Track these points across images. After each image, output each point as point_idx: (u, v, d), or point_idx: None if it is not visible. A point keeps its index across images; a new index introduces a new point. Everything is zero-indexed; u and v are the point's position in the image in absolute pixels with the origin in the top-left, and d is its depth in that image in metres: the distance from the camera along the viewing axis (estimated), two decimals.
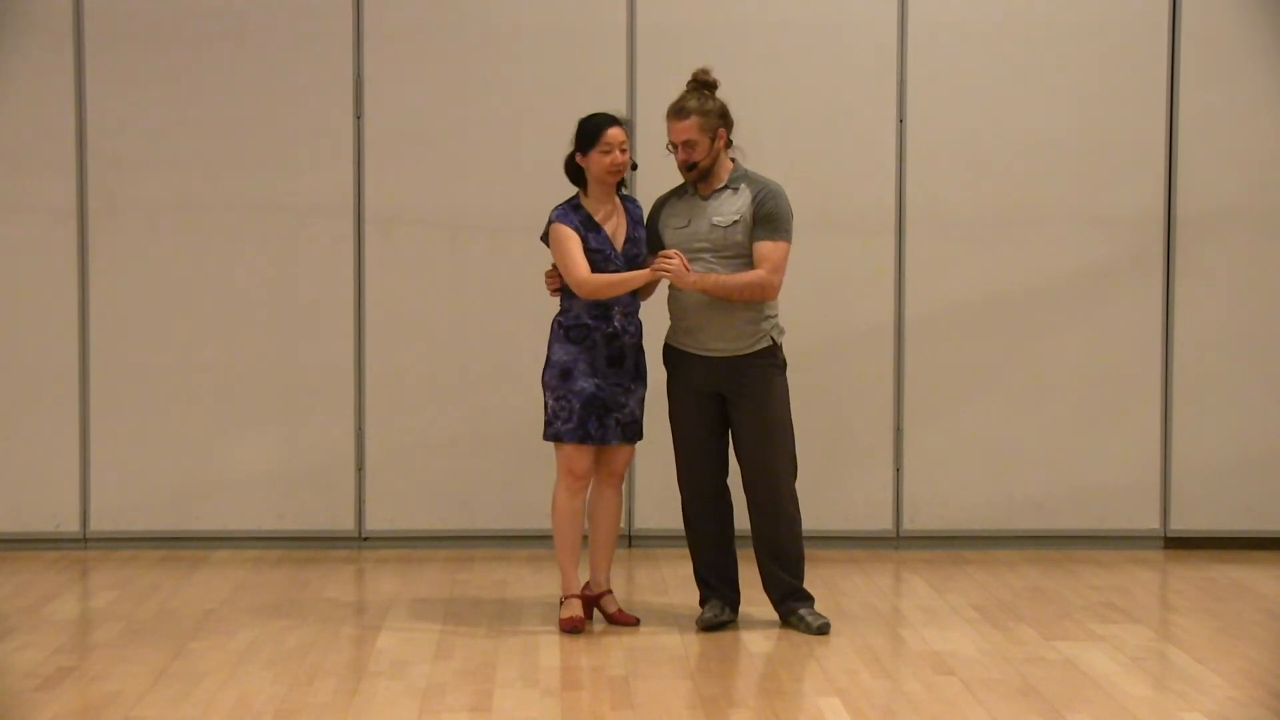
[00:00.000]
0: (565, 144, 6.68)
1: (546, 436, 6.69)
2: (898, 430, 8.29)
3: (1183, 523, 8.35)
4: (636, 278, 6.56)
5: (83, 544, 8.21)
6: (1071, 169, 8.28)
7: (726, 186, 6.61)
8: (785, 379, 6.72)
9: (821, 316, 8.19)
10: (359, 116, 8.17)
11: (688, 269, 6.50)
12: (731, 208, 6.58)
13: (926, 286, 8.26)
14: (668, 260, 6.50)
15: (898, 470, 8.30)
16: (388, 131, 8.17)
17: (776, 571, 6.73)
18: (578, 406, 6.59)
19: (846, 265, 8.22)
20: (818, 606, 6.76)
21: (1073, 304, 8.30)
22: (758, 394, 6.63)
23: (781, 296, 6.69)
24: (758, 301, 6.58)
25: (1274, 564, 8.06)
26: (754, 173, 6.66)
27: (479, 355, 8.22)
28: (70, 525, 8.20)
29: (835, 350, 8.25)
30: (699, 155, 6.56)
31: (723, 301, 6.56)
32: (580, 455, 6.65)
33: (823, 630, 6.62)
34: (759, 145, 6.97)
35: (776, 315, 6.69)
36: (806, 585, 6.77)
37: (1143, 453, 8.33)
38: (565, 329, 6.65)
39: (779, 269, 6.56)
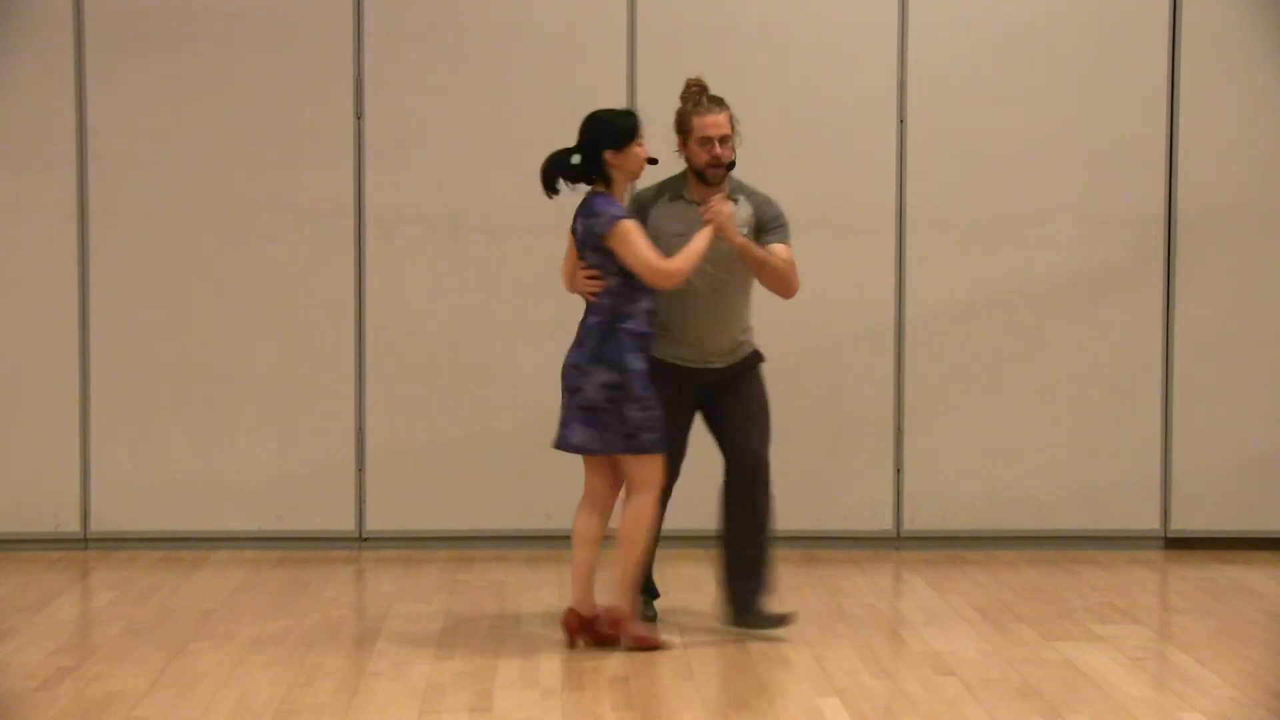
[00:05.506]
0: (564, 144, 6.48)
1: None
2: (898, 430, 8.29)
3: (1183, 523, 8.35)
4: (701, 240, 6.30)
5: (83, 544, 8.20)
6: (1071, 169, 8.27)
7: (727, 196, 6.41)
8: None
9: (822, 317, 8.19)
10: (359, 116, 8.17)
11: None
12: (738, 219, 6.39)
13: (927, 287, 8.26)
14: (721, 205, 6.29)
15: (898, 470, 8.30)
16: (388, 131, 8.17)
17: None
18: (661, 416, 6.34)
19: (847, 266, 8.22)
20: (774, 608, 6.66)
21: (1073, 304, 8.30)
22: None
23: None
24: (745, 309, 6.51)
25: (1274, 564, 8.06)
26: (741, 182, 6.52)
27: (479, 355, 8.21)
28: (70, 525, 8.19)
29: (835, 350, 8.25)
30: (730, 154, 6.43)
31: (725, 313, 6.48)
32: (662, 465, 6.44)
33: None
34: (760, 145, 6.95)
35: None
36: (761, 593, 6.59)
37: (1143, 453, 8.33)
38: (636, 338, 6.33)
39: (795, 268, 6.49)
